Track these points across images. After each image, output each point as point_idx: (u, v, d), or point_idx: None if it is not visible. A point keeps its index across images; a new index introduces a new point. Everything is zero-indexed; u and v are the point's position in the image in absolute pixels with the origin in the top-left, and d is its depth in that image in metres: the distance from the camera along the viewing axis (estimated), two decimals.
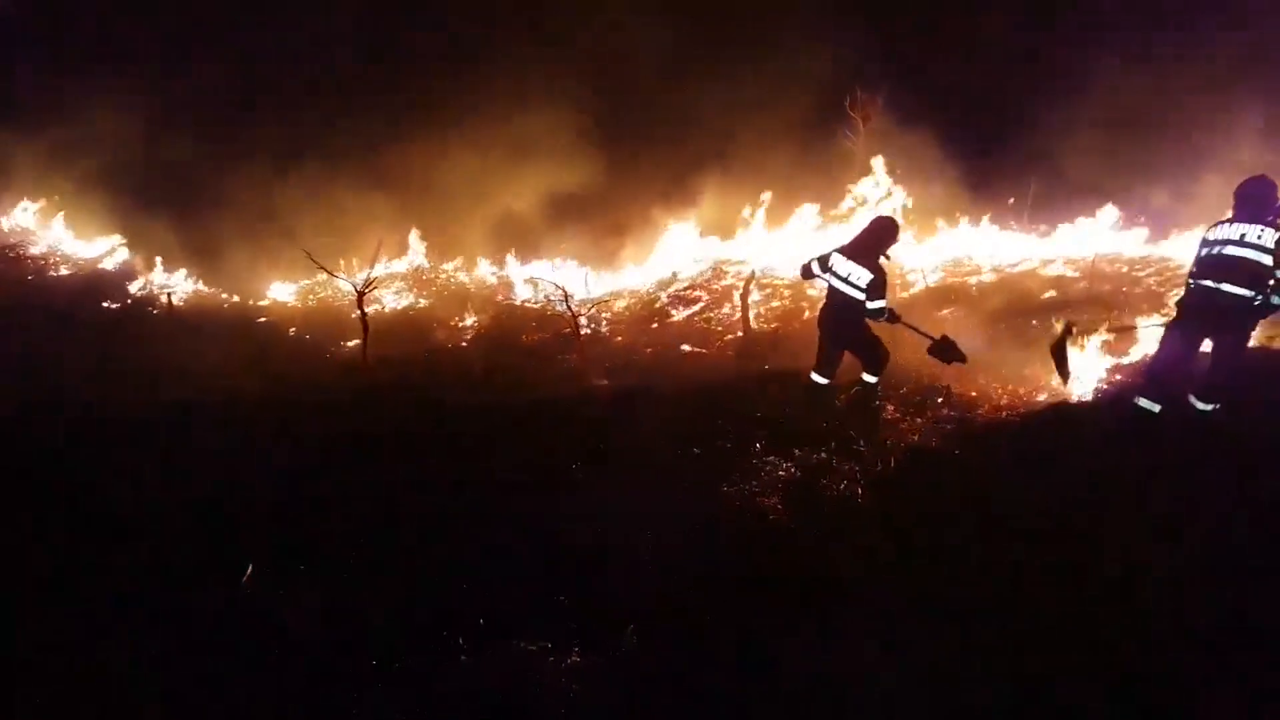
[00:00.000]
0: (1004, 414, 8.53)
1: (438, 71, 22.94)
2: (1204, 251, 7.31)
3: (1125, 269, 14.51)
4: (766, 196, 19.41)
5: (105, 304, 17.89)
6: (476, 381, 12.00)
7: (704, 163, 21.47)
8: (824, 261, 8.65)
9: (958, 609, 4.81)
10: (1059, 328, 8.69)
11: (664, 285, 17.48)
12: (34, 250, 20.74)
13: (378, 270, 17.41)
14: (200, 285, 20.07)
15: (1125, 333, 9.63)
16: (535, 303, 17.68)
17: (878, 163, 18.77)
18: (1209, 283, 7.17)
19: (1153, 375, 7.66)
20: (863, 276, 8.30)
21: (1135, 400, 7.64)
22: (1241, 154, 14.80)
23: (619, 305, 16.92)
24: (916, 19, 23.29)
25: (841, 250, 8.59)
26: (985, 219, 18.29)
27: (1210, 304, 7.16)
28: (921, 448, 7.70)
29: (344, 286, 17.47)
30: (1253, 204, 7.19)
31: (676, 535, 5.99)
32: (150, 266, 20.11)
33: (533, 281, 18.24)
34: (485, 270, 20.42)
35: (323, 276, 18.39)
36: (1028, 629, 4.59)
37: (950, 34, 22.99)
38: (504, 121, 21.91)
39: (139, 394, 10.70)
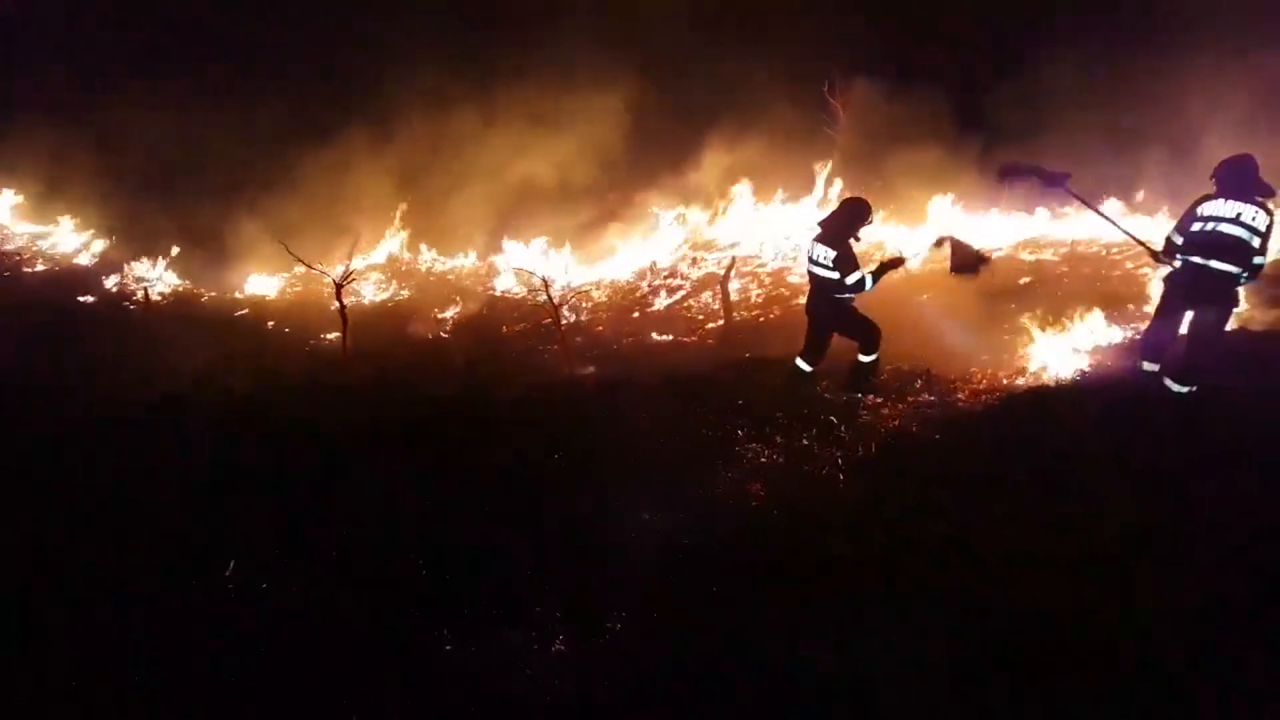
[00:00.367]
0: (984, 397, 8.53)
1: (418, 60, 22.74)
2: (1196, 226, 7.37)
3: (1103, 253, 14.55)
4: (745, 185, 19.38)
5: (81, 299, 17.69)
6: (457, 373, 11.94)
7: (685, 150, 21.41)
8: (809, 252, 8.67)
9: (947, 597, 4.78)
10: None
11: (644, 274, 17.43)
12: (7, 247, 20.48)
13: (357, 263, 17.31)
14: (178, 279, 19.86)
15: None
16: (516, 293, 17.61)
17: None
18: (1199, 259, 7.28)
19: (1149, 341, 7.94)
20: (829, 255, 8.35)
21: (1139, 364, 7.97)
22: (1218, 141, 14.88)
23: (599, 295, 16.87)
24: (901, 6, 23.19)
25: (816, 237, 8.59)
26: (962, 203, 18.28)
27: (1200, 281, 7.30)
28: (902, 432, 7.69)
29: (324, 278, 17.34)
30: (1238, 180, 7.29)
31: (660, 524, 5.96)
32: (127, 260, 19.88)
33: (514, 271, 18.15)
34: (465, 260, 20.33)
35: (301, 269, 18.23)
36: (1016, 617, 4.54)
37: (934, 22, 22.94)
38: (487, 110, 21.79)
39: (120, 390, 10.58)
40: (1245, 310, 9.60)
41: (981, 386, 8.90)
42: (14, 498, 6.60)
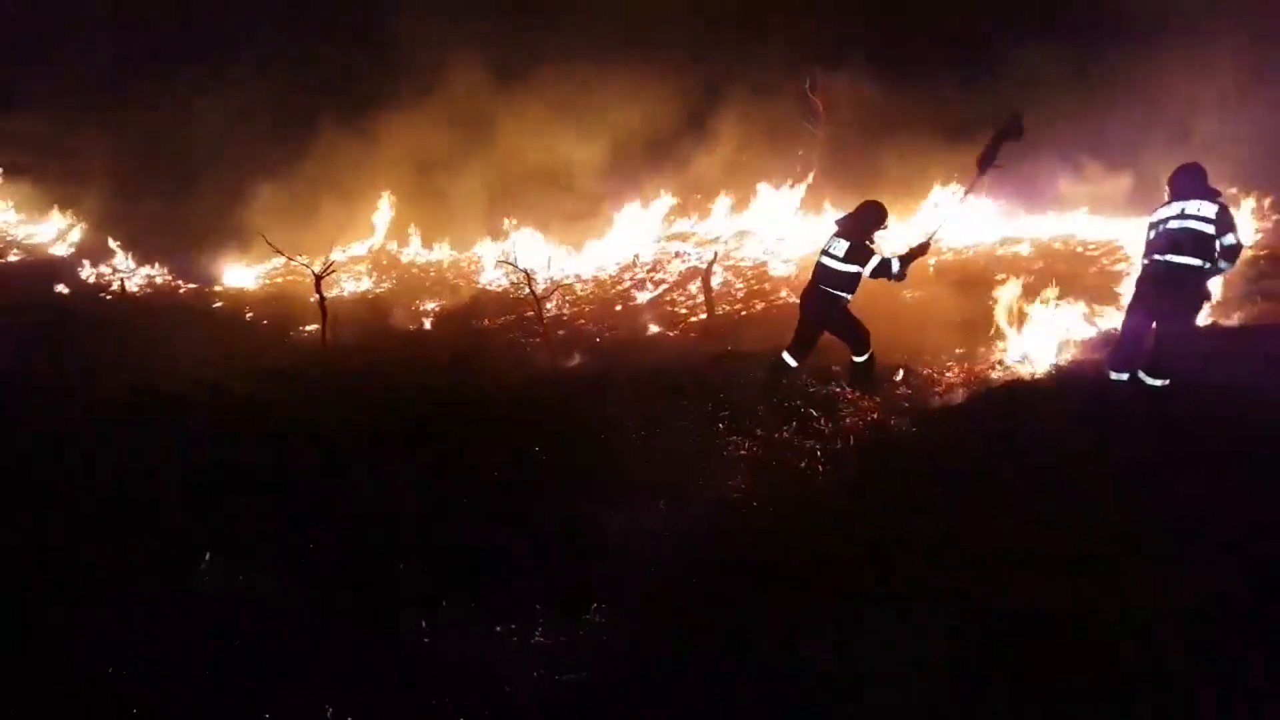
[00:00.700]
0: (960, 391, 8.62)
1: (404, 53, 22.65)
2: (1151, 234, 7.64)
3: (1081, 250, 14.74)
4: (729, 179, 19.45)
5: (57, 289, 17.54)
6: (437, 367, 11.94)
7: (667, 145, 21.44)
8: (824, 247, 8.84)
9: (942, 597, 4.77)
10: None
11: (627, 268, 17.48)
12: None
13: (338, 255, 17.25)
14: (154, 270, 19.72)
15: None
16: (498, 286, 17.62)
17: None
18: (1160, 257, 7.45)
19: (1119, 349, 7.94)
20: (840, 246, 8.52)
21: (1105, 373, 7.95)
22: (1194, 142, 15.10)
23: (582, 289, 16.91)
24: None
25: (836, 233, 8.79)
26: (942, 199, 18.41)
27: (1164, 275, 7.42)
28: (880, 426, 7.75)
29: (304, 270, 17.27)
30: (1186, 184, 7.52)
31: (653, 522, 5.98)
32: (103, 251, 19.72)
33: (496, 264, 18.15)
34: (448, 253, 20.30)
35: (280, 261, 18.15)
36: (1013, 616, 4.53)
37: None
38: (473, 105, 21.74)
39: (100, 383, 10.51)
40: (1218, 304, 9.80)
41: (957, 380, 9.00)
42: (14, 498, 6.58)
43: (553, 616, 4.76)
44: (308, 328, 15.08)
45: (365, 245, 20.92)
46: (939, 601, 4.71)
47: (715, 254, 15.77)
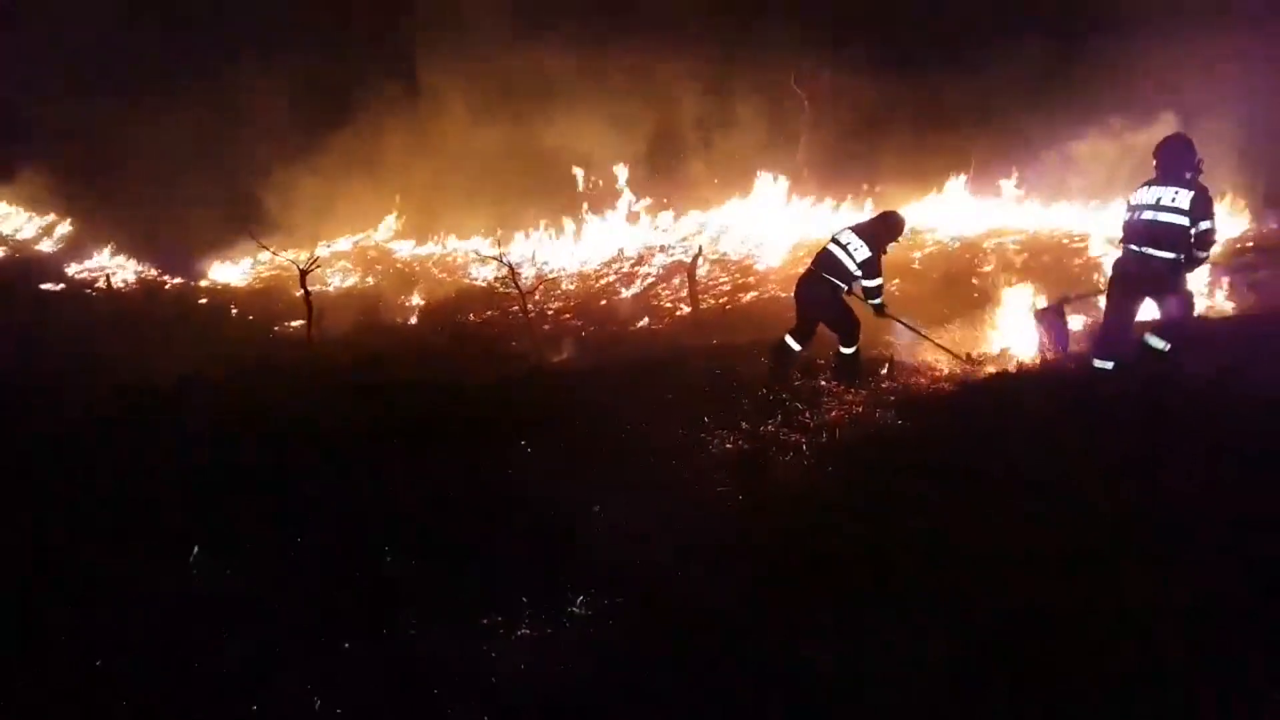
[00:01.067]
0: (946, 385, 8.67)
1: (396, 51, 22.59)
2: (1130, 216, 7.58)
3: (1066, 241, 14.86)
4: (716, 174, 19.49)
5: (43, 285, 17.45)
6: (423, 362, 11.94)
7: (656, 140, 21.42)
8: (835, 235, 8.95)
9: (940, 596, 4.76)
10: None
11: (613, 262, 17.51)
12: None
13: (325, 250, 17.22)
14: (140, 265, 19.62)
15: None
16: (484, 280, 17.63)
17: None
18: (1135, 248, 7.47)
19: (1103, 337, 7.97)
20: (860, 250, 8.63)
21: (1092, 362, 7.97)
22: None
23: (568, 284, 16.93)
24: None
25: (852, 227, 8.92)
26: (930, 193, 18.53)
27: (1142, 269, 7.45)
28: (865, 419, 7.75)
29: (290, 266, 17.22)
30: (1171, 160, 7.47)
31: (628, 512, 5.98)
32: (89, 247, 19.61)
33: (482, 259, 18.15)
34: (434, 248, 20.27)
35: (266, 257, 18.10)
36: (1012, 616, 4.51)
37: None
38: (461, 101, 21.67)
39: (83, 381, 10.49)
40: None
41: (943, 374, 9.06)
42: (14, 497, 6.59)
43: (539, 610, 4.78)
44: (293, 323, 15.04)
45: (352, 240, 20.87)
46: (938, 601, 4.68)
47: (700, 248, 15.80)
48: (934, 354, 9.38)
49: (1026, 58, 19.45)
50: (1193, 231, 7.20)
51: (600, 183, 20.71)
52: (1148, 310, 7.80)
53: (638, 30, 21.55)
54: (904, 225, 9.06)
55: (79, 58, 22.64)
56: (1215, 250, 7.89)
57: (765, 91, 21.56)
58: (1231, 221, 13.40)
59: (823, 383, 8.74)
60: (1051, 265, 13.43)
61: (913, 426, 7.55)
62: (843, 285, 8.71)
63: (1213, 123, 14.19)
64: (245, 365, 11.55)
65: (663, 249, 17.52)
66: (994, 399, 8.08)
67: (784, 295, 9.22)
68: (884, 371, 9.08)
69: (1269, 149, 14.48)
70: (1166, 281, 7.43)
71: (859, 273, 8.62)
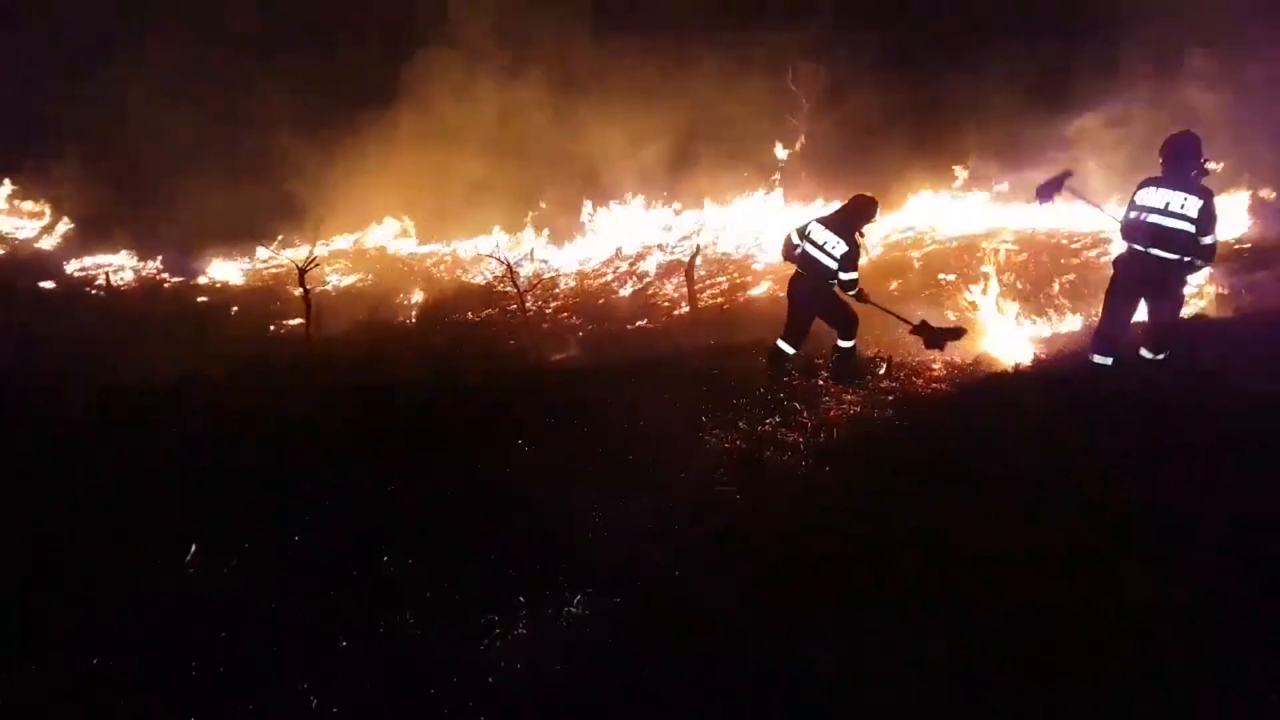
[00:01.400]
0: (944, 384, 8.67)
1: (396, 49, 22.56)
2: (1133, 215, 7.52)
3: (1065, 241, 14.86)
4: (712, 172, 19.49)
5: (43, 284, 17.44)
6: (421, 361, 11.93)
7: (655, 139, 21.41)
8: (802, 231, 8.86)
9: (940, 596, 4.76)
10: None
11: (610, 261, 17.51)
12: None
13: (324, 249, 17.20)
14: (140, 264, 19.61)
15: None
16: (481, 279, 17.62)
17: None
18: (1139, 248, 7.44)
19: (1101, 333, 7.94)
20: (838, 246, 8.53)
21: (1090, 357, 7.95)
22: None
23: (567, 283, 16.92)
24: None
25: (821, 220, 8.81)
26: (928, 191, 18.52)
27: (1144, 268, 7.44)
28: (864, 418, 7.76)
29: (287, 264, 17.21)
30: (1178, 159, 7.42)
31: (627, 511, 5.99)
32: (88, 245, 19.60)
33: (480, 258, 18.14)
34: (432, 247, 20.26)
35: (264, 254, 18.11)
36: (1012, 616, 4.50)
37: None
38: (457, 99, 21.66)
39: (90, 378, 10.48)
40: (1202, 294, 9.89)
41: (940, 373, 9.06)
42: (14, 497, 6.59)
43: (538, 610, 4.78)
44: (291, 321, 15.04)
45: (351, 239, 20.85)
46: (938, 601, 4.68)
47: (698, 247, 15.80)
48: (907, 335, 9.28)
49: (1026, 58, 19.46)
50: (1200, 241, 7.19)
51: (599, 182, 20.71)
52: (1142, 310, 7.80)
53: (638, 30, 21.59)
54: (875, 207, 8.84)
55: (79, 58, 22.64)
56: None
57: (764, 90, 21.57)
58: (1231, 222, 13.39)
59: (821, 382, 8.73)
60: (1050, 264, 13.43)
61: (911, 426, 7.55)
62: (832, 281, 8.70)
63: (1212, 122, 14.23)
64: (245, 364, 11.53)
65: (661, 248, 17.52)
66: (993, 398, 8.08)
67: (782, 294, 9.19)
68: (882, 371, 9.08)
69: (1269, 149, 14.47)
70: (1168, 282, 7.45)
71: (838, 268, 8.55)
